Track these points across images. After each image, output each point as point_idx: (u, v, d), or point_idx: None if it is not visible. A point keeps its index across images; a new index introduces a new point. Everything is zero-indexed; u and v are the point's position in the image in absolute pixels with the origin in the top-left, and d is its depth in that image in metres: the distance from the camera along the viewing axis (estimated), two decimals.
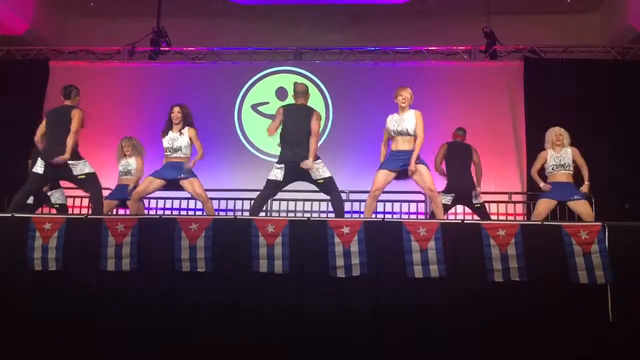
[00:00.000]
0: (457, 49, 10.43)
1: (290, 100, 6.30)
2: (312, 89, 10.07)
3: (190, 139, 6.18)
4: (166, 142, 6.17)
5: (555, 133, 6.51)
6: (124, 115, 9.89)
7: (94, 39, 11.09)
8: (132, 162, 7.08)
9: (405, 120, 5.89)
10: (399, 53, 10.49)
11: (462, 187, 7.02)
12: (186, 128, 6.19)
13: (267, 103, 10.30)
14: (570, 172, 6.40)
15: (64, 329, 5.18)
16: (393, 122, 5.96)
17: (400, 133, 5.89)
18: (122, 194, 6.95)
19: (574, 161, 6.40)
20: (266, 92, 10.37)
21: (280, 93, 10.21)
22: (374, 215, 6.03)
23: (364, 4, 10.63)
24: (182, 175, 6.06)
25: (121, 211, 7.36)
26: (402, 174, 5.92)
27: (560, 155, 6.43)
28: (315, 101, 9.97)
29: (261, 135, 9.97)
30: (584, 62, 9.90)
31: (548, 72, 9.78)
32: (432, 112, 9.17)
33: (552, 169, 6.43)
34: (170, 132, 6.20)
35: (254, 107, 10.39)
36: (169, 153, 6.15)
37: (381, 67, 10.19)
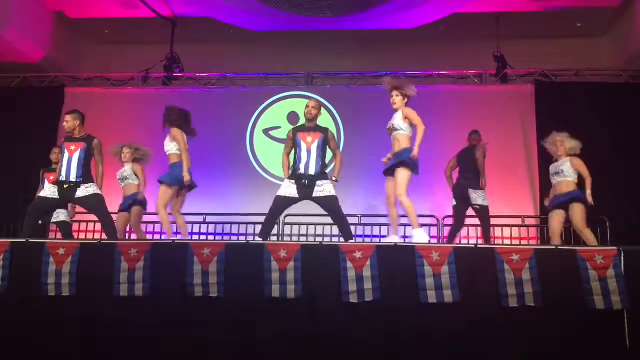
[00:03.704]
0: (468, 73, 10.47)
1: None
2: (324, 113, 10.12)
3: (175, 139, 6.36)
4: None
5: (551, 142, 6.55)
6: (138, 140, 9.93)
7: (108, 65, 11.28)
8: (127, 169, 7.23)
9: (395, 117, 5.93)
10: (409, 77, 10.48)
11: (458, 186, 7.27)
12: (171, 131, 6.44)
13: (278, 127, 10.38)
14: (569, 180, 6.35)
15: (79, 352, 5.19)
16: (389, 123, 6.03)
17: (390, 131, 5.92)
18: (126, 203, 7.14)
19: (577, 172, 6.38)
20: (278, 116, 10.46)
21: (292, 118, 10.28)
22: (385, 240, 6.01)
23: (374, 29, 10.72)
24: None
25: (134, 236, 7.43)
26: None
27: (558, 165, 6.44)
28: (327, 125, 9.95)
29: (273, 159, 10.05)
30: (596, 86, 9.89)
31: (559, 96, 9.77)
32: (442, 136, 9.20)
33: (552, 179, 6.46)
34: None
35: (266, 131, 10.46)
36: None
37: None
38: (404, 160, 5.68)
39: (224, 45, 11.30)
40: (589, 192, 6.25)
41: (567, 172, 6.36)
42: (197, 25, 10.83)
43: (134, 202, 7.07)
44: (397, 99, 5.94)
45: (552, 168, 6.55)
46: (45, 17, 10.71)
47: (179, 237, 6.61)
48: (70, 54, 11.60)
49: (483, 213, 7.21)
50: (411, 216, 5.73)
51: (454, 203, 7.32)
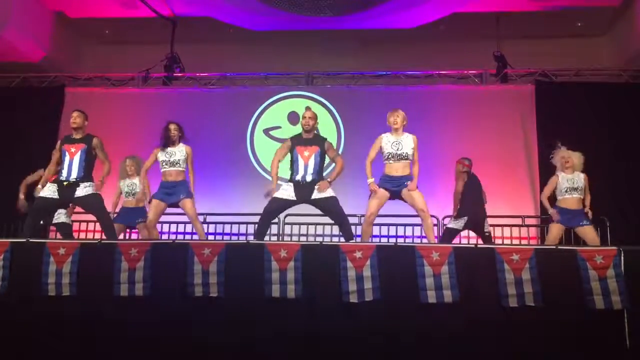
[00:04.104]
0: (468, 72, 10.47)
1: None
2: (324, 113, 10.17)
3: (187, 155, 6.35)
4: (163, 155, 6.34)
5: (561, 156, 6.52)
6: (138, 140, 9.97)
7: (109, 65, 11.28)
8: (138, 182, 7.09)
9: (404, 144, 5.91)
10: (410, 77, 10.55)
11: (477, 214, 7.03)
12: (182, 145, 6.40)
13: (279, 127, 10.38)
14: (581, 197, 6.40)
15: (79, 352, 5.19)
16: (390, 144, 5.96)
17: (400, 157, 5.89)
18: (130, 219, 6.98)
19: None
20: (278, 116, 10.46)
21: (292, 117, 10.28)
22: (386, 240, 6.01)
23: (374, 29, 10.72)
24: (182, 196, 6.20)
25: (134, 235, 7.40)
26: (395, 195, 5.93)
27: (573, 179, 6.40)
28: (327, 125, 10.02)
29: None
30: (596, 86, 9.90)
31: (559, 96, 9.77)
32: (443, 136, 9.21)
33: (565, 193, 6.39)
34: (167, 148, 6.37)
35: (266, 131, 10.46)
36: (166, 167, 6.29)
37: (392, 91, 10.24)
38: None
39: (224, 45, 11.30)
40: (588, 208, 6.39)
41: (582, 189, 6.39)
42: (197, 25, 10.83)
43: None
44: (398, 120, 5.97)
45: (566, 181, 6.40)
46: (45, 17, 10.71)
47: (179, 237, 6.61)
48: (70, 54, 11.60)
49: (490, 238, 7.20)
50: (431, 235, 5.93)
51: (459, 227, 7.02)
